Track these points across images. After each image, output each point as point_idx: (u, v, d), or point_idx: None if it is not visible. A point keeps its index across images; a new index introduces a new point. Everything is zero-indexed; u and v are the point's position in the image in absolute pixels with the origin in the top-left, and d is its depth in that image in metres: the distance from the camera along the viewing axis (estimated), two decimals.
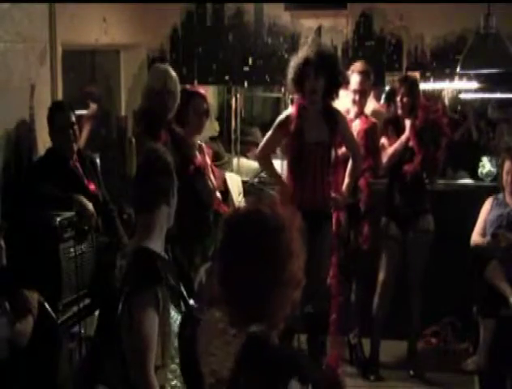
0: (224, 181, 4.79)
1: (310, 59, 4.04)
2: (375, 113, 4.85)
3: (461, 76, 5.54)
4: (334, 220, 4.41)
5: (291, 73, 4.13)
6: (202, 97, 4.20)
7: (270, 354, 1.72)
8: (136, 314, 2.24)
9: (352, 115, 4.55)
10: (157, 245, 2.39)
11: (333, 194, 4.28)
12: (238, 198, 5.01)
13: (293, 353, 1.81)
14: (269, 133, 4.30)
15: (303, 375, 1.69)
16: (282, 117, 4.26)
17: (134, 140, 4.06)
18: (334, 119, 4.19)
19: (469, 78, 5.56)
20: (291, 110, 4.24)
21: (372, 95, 4.80)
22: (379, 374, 4.62)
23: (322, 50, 4.14)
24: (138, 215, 2.44)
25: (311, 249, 4.14)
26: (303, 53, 4.12)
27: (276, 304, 1.73)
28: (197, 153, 4.23)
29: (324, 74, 4.05)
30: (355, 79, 4.48)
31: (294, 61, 4.12)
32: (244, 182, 5.31)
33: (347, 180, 4.33)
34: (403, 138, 4.48)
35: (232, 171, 5.53)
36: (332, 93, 4.16)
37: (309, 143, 4.15)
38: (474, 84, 5.61)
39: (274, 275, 1.71)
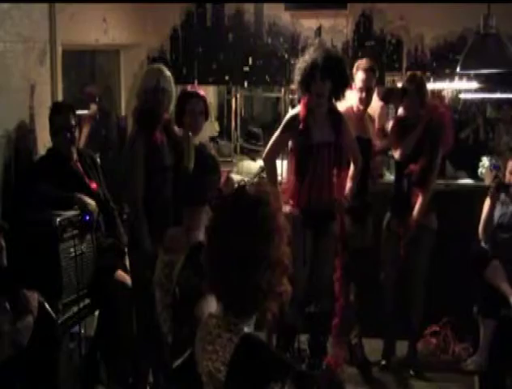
0: (230, 181, 4.78)
1: (318, 62, 4.03)
2: (381, 114, 4.82)
3: (461, 76, 5.54)
4: (338, 222, 4.40)
5: (298, 75, 4.12)
6: (201, 98, 4.19)
7: (262, 356, 1.77)
8: (203, 308, 2.28)
9: (354, 112, 4.51)
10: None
11: (337, 197, 4.28)
12: None
13: (284, 357, 1.86)
14: (276, 134, 4.27)
15: (293, 378, 1.74)
16: (289, 117, 4.25)
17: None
18: (339, 120, 4.19)
19: (469, 78, 5.56)
20: (297, 110, 4.22)
21: (376, 92, 4.74)
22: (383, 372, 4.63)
23: (329, 53, 4.14)
24: (188, 209, 2.56)
25: (316, 248, 4.19)
26: (310, 55, 4.10)
27: (264, 288, 1.79)
28: None
29: (331, 77, 4.05)
30: (360, 77, 4.43)
31: (301, 64, 4.11)
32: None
33: (349, 183, 4.32)
34: (414, 137, 4.45)
35: (232, 171, 5.53)
36: (338, 95, 4.16)
37: (316, 144, 4.14)
38: (474, 84, 5.61)
39: (260, 256, 1.78)
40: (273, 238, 1.80)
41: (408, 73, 4.95)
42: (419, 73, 4.79)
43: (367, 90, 4.44)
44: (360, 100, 4.47)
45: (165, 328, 2.64)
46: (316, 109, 4.15)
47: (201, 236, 2.47)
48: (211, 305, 2.25)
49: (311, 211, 4.16)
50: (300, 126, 4.13)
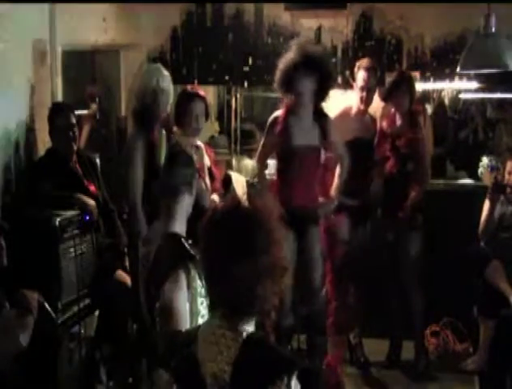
0: (229, 180, 4.77)
1: (297, 62, 3.93)
2: (382, 115, 4.81)
3: (461, 76, 5.54)
4: (334, 223, 4.37)
5: (278, 75, 4.01)
6: (202, 99, 4.18)
7: (266, 354, 1.78)
8: (170, 293, 2.38)
9: (354, 112, 4.50)
10: (181, 229, 2.63)
11: (321, 199, 4.19)
12: (242, 198, 5.00)
13: (289, 354, 1.88)
14: (263, 138, 4.26)
15: (298, 375, 1.75)
16: (270, 120, 4.16)
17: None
18: (325, 122, 4.09)
19: (469, 78, 5.56)
20: (279, 112, 4.13)
21: (377, 92, 4.73)
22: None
23: (310, 52, 4.01)
24: (163, 202, 2.68)
25: (301, 251, 4.13)
26: (290, 54, 3.99)
27: (265, 293, 1.81)
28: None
29: (313, 76, 3.94)
30: (361, 76, 4.39)
31: (282, 64, 4.00)
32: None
33: (336, 181, 4.22)
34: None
35: (232, 170, 5.53)
36: (323, 95, 4.05)
37: (299, 146, 4.03)
38: (474, 84, 5.62)
39: (258, 267, 1.79)
40: (268, 249, 1.81)
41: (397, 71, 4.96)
42: (408, 71, 4.81)
43: (368, 89, 4.41)
44: (361, 99, 4.43)
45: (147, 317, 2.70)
46: (299, 111, 4.04)
47: (176, 226, 2.60)
48: (180, 289, 2.38)
49: (293, 213, 4.06)
50: (278, 128, 4.06)
